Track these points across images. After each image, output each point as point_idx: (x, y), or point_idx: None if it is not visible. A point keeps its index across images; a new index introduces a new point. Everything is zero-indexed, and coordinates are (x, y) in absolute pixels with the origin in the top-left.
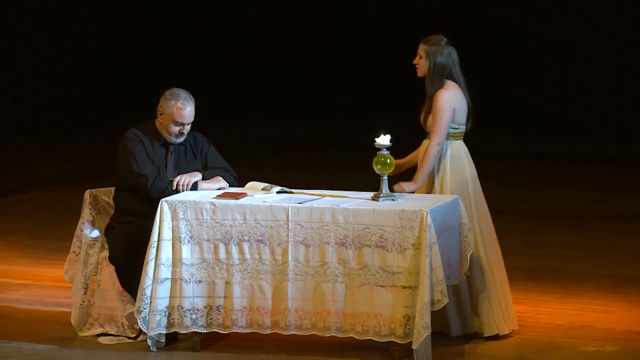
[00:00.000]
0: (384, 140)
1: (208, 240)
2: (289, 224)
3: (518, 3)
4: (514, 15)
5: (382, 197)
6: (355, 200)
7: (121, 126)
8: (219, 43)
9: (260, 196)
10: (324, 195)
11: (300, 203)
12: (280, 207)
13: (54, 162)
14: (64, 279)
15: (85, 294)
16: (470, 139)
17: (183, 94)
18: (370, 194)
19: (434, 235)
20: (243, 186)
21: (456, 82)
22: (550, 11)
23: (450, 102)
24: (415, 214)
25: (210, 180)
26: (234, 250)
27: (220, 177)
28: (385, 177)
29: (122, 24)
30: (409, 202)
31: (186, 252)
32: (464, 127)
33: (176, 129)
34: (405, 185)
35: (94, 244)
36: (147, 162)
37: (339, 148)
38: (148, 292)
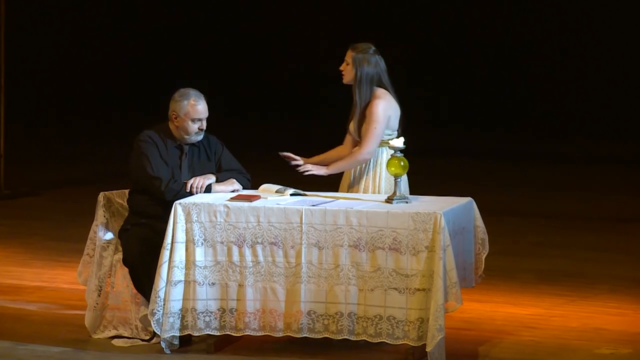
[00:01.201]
0: (397, 142)
1: (221, 243)
2: (303, 226)
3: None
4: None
5: (396, 199)
6: (368, 203)
7: (134, 127)
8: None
9: (274, 198)
10: (337, 198)
11: (313, 205)
12: (294, 210)
13: (68, 165)
14: (77, 282)
15: (99, 296)
16: (485, 139)
17: (192, 92)
18: (384, 196)
19: (448, 237)
20: (257, 188)
21: (386, 89)
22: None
23: (386, 111)
24: (429, 217)
25: (224, 182)
26: (248, 253)
27: (234, 180)
28: (400, 180)
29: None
30: (423, 204)
31: (200, 254)
32: (397, 132)
33: (195, 126)
34: (315, 168)
35: (107, 246)
36: (161, 165)
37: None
38: (162, 294)
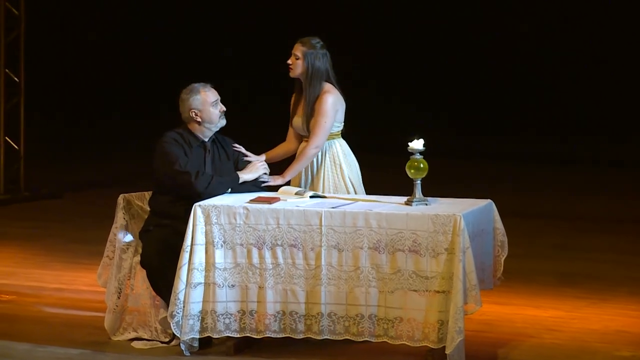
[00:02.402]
0: (417, 144)
1: (241, 245)
2: (322, 228)
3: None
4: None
5: (416, 201)
6: (388, 205)
7: (154, 128)
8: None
9: (294, 201)
10: (357, 200)
11: (333, 207)
12: (314, 212)
13: (87, 167)
14: (97, 284)
15: (119, 298)
16: (506, 141)
17: (195, 84)
18: (404, 199)
19: (468, 239)
20: (276, 191)
21: (332, 84)
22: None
23: (335, 106)
24: (448, 219)
25: (248, 169)
26: (267, 255)
27: (257, 164)
28: (419, 182)
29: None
30: (443, 206)
31: (219, 256)
32: (343, 124)
33: (216, 110)
34: (271, 179)
35: (127, 249)
36: (186, 161)
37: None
38: (181, 296)
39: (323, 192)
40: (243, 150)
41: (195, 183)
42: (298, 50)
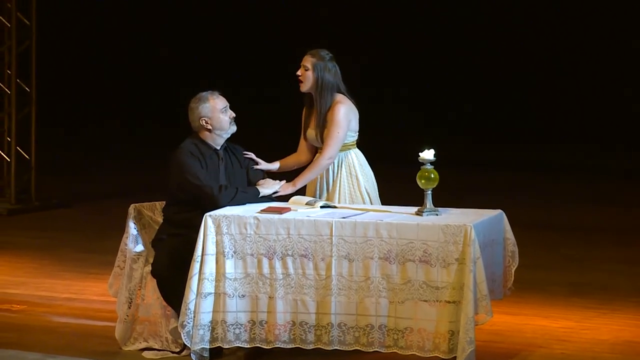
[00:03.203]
0: (428, 154)
1: (252, 255)
2: (333, 238)
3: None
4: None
5: (426, 211)
6: (399, 215)
7: (164, 139)
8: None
9: (304, 211)
10: (367, 210)
11: (344, 218)
12: (324, 222)
13: (98, 177)
14: (108, 293)
15: (130, 308)
16: (518, 151)
17: (203, 93)
18: (414, 209)
19: (478, 249)
20: (287, 201)
21: (344, 94)
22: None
23: (348, 116)
24: (459, 229)
25: (266, 184)
26: (278, 265)
27: (269, 179)
28: (430, 192)
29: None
30: (453, 216)
31: (230, 266)
32: (358, 133)
33: (226, 117)
34: (282, 188)
35: (138, 259)
36: (205, 174)
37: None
38: (192, 306)
39: (339, 203)
40: (254, 157)
41: (219, 197)
42: (307, 61)
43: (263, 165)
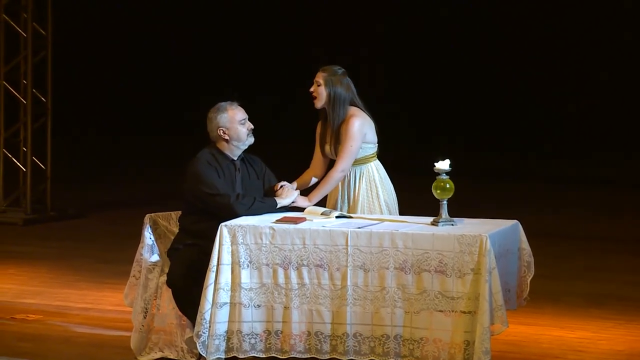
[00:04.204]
0: (443, 164)
1: (267, 265)
2: (348, 248)
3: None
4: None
5: (442, 222)
6: (414, 225)
7: (179, 148)
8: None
9: (320, 221)
10: (383, 220)
11: (359, 228)
12: (340, 232)
13: (113, 186)
14: (124, 303)
15: (145, 318)
16: (535, 161)
17: (222, 103)
18: (429, 219)
19: (494, 260)
20: (302, 211)
21: (358, 107)
22: None
23: (362, 129)
24: (474, 239)
25: (284, 194)
26: (293, 275)
27: (291, 190)
28: (445, 202)
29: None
30: (469, 226)
31: (245, 276)
32: (377, 145)
33: (244, 128)
34: (300, 200)
35: (153, 269)
36: (222, 183)
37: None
38: (207, 316)
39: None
40: (286, 184)
41: (236, 205)
42: (320, 77)
43: (285, 184)
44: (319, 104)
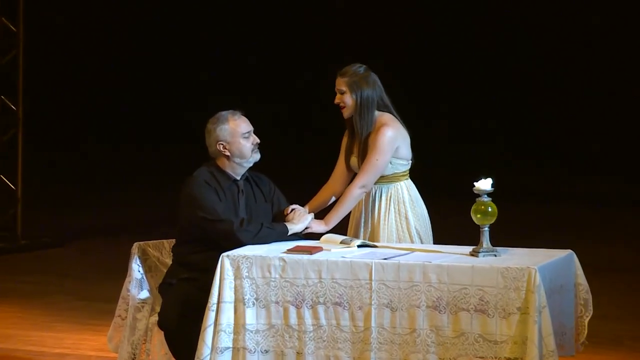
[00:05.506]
0: (484, 184)
1: (277, 303)
2: (372, 283)
3: None
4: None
5: (483, 251)
6: (450, 256)
7: (170, 166)
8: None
9: (338, 251)
10: (413, 250)
11: (385, 259)
12: (362, 264)
13: (96, 210)
14: (107, 348)
15: None
16: (594, 182)
17: (223, 112)
18: (469, 248)
19: (544, 297)
20: (318, 239)
21: (389, 112)
22: None
23: (394, 141)
24: (521, 272)
25: (297, 218)
26: (307, 315)
27: (305, 214)
28: (487, 228)
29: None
30: (514, 257)
31: (251, 316)
32: (412, 161)
33: (249, 143)
34: (314, 224)
35: (142, 307)
36: (223, 207)
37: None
38: None
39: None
40: (299, 208)
41: (240, 233)
42: (341, 84)
43: (298, 207)
44: (348, 112)
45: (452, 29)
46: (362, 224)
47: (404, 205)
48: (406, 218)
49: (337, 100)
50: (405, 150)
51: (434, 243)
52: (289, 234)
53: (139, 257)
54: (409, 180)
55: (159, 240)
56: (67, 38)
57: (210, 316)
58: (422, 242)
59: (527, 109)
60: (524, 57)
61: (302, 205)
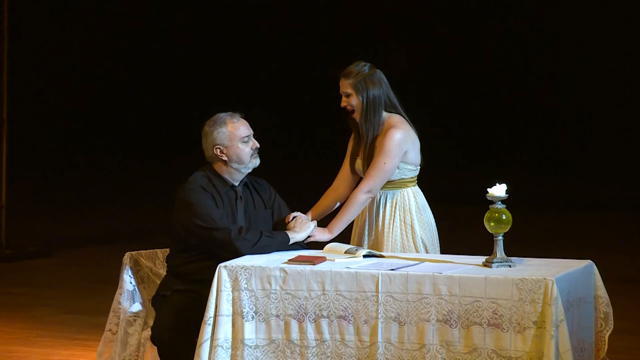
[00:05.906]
0: (498, 190)
1: (277, 316)
2: (379, 295)
3: None
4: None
5: (496, 262)
6: (462, 266)
7: (164, 173)
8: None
9: (343, 261)
10: (422, 260)
11: (392, 269)
12: (368, 275)
13: (85, 218)
14: None
15: None
16: (613, 188)
17: (222, 114)
18: (481, 259)
19: (562, 310)
20: (321, 248)
21: (398, 112)
22: None
23: (402, 145)
24: (537, 284)
25: (298, 227)
26: (310, 329)
27: (300, 215)
28: (501, 237)
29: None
30: (530, 268)
31: (249, 330)
32: (420, 167)
33: (248, 148)
34: (318, 233)
35: (134, 321)
36: (220, 214)
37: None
38: None
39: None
40: (301, 215)
41: (238, 242)
42: (346, 86)
43: (299, 215)
44: (359, 115)
45: (468, 34)
46: (366, 232)
47: (410, 214)
48: (412, 227)
49: (343, 104)
50: (414, 155)
51: (443, 252)
52: (290, 243)
53: (131, 268)
54: (417, 186)
55: (152, 250)
56: (61, 37)
57: (206, 330)
58: (427, 253)
59: (544, 116)
60: (546, 65)
61: (305, 212)
